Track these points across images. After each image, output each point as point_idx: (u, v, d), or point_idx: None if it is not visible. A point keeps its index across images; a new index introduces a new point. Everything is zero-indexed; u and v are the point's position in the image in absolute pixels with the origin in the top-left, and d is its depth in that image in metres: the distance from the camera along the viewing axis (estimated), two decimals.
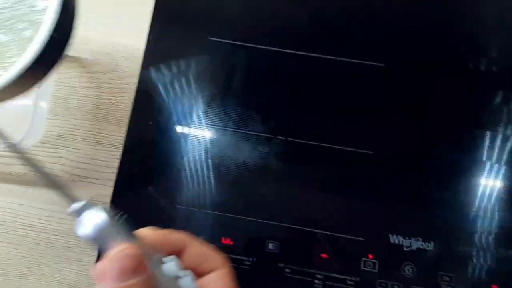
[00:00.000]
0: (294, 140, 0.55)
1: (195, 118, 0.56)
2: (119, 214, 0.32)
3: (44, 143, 0.55)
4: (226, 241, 0.52)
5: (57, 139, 0.55)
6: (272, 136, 0.56)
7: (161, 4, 0.59)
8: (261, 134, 0.56)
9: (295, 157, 0.55)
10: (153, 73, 0.57)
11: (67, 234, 0.53)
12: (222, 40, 0.59)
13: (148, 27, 0.58)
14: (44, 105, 0.51)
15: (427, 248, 0.51)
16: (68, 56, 0.56)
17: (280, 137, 0.55)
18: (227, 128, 0.56)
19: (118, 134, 0.56)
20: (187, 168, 0.55)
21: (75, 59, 0.57)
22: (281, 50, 0.59)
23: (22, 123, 0.55)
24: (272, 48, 0.58)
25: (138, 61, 0.57)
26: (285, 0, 0.61)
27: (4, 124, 0.55)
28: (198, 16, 0.60)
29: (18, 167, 0.54)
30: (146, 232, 0.35)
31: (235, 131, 0.56)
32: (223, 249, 0.41)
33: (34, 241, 0.53)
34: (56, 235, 0.53)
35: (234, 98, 0.57)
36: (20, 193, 0.54)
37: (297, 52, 0.58)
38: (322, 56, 0.58)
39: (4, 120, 0.55)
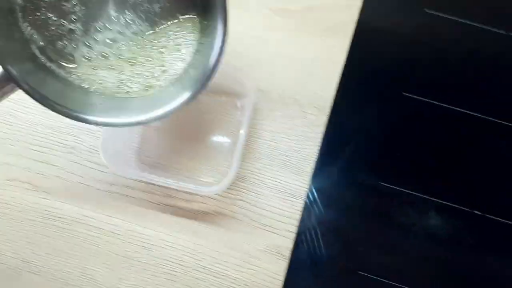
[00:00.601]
0: None
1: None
2: None
3: None
4: None
5: (240, 180, 0.54)
6: None
7: (352, 58, 0.57)
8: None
9: None
10: (341, 124, 0.55)
11: (245, 284, 0.52)
12: (416, 97, 0.56)
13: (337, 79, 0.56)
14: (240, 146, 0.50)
15: None
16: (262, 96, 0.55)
17: None
18: None
19: (300, 184, 0.54)
20: None
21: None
22: (480, 115, 0.55)
23: (220, 162, 0.55)
24: (474, 114, 0.55)
25: (325, 111, 0.55)
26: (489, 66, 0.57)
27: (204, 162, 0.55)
28: (392, 71, 0.57)
29: (199, 205, 0.54)
30: None
31: None
32: None
33: (211, 286, 0.52)
34: (233, 283, 0.52)
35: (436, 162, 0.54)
36: (201, 233, 0.54)
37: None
38: None
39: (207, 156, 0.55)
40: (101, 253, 0.54)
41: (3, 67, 0.35)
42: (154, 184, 0.54)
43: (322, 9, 0.58)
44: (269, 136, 0.55)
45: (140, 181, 0.54)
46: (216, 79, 0.55)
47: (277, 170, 0.55)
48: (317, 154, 0.55)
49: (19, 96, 0.59)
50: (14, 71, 0.36)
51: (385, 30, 0.58)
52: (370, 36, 0.57)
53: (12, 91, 0.38)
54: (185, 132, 0.56)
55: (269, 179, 0.54)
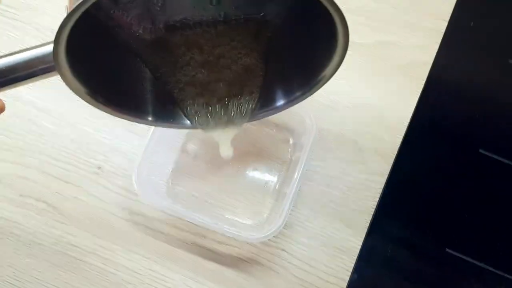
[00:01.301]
0: None
1: None
2: None
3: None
4: None
5: (283, 227, 0.47)
6: None
7: (424, 103, 0.51)
8: None
9: None
10: (406, 177, 0.48)
11: None
12: (494, 156, 0.49)
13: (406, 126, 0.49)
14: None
15: None
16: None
17: None
18: None
19: (353, 240, 0.47)
20: None
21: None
22: None
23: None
24: None
25: (388, 159, 0.49)
26: None
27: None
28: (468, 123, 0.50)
29: (233, 249, 0.47)
30: None
31: None
32: None
33: None
34: None
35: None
36: (231, 283, 0.46)
37: None
38: None
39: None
40: None
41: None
42: (184, 220, 0.47)
43: (395, 46, 0.52)
44: (322, 180, 0.48)
45: (170, 214, 0.47)
46: None
47: (327, 220, 0.47)
48: (376, 208, 0.47)
49: (47, 104, 0.55)
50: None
51: (463, 77, 0.52)
52: (445, 82, 0.51)
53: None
54: (224, 163, 0.49)
55: (318, 229, 0.47)
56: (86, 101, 0.29)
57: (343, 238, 0.47)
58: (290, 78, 0.32)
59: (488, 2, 0.54)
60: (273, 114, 0.32)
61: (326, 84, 0.51)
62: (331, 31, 0.26)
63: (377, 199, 0.48)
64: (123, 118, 0.31)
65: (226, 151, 0.45)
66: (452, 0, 0.54)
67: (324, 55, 0.29)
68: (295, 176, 0.43)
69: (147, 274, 0.46)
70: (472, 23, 0.53)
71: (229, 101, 0.31)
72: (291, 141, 0.49)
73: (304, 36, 0.30)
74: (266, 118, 0.49)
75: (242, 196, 0.48)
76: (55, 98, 0.52)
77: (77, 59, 0.26)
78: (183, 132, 0.50)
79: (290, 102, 0.32)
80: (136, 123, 0.34)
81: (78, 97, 0.30)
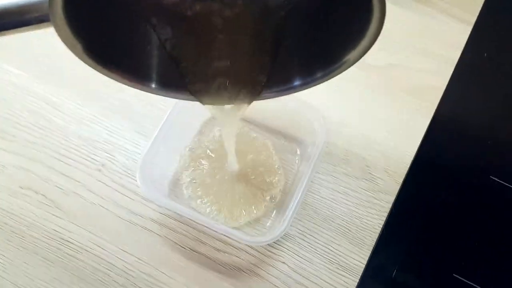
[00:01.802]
0: None
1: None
2: None
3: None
4: None
5: (285, 239, 0.45)
6: None
7: (435, 125, 0.50)
8: None
9: None
10: (414, 198, 0.47)
11: None
12: (505, 184, 0.47)
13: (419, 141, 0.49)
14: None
15: None
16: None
17: None
18: None
19: (357, 258, 0.45)
20: None
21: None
22: None
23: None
24: None
25: (397, 178, 0.48)
26: None
27: None
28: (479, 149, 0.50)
29: (232, 258, 0.45)
30: None
31: None
32: None
33: None
34: None
35: None
36: None
37: None
38: None
39: None
40: None
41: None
42: (183, 223, 0.46)
43: (407, 69, 0.53)
44: (327, 194, 0.47)
45: (169, 216, 0.46)
46: (281, 119, 0.49)
47: (331, 236, 0.46)
48: (382, 227, 0.46)
49: (58, 100, 0.54)
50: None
51: (475, 104, 0.51)
52: (458, 107, 0.51)
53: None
54: (229, 169, 0.48)
55: (321, 245, 0.45)
56: (82, 60, 0.27)
57: (347, 256, 0.45)
58: (309, 59, 0.31)
59: (502, 34, 0.55)
60: (287, 94, 0.31)
61: (337, 100, 0.51)
62: (363, 12, 0.25)
63: (384, 218, 0.46)
64: (121, 82, 0.30)
65: (232, 154, 0.44)
66: (467, 30, 0.54)
67: (352, 37, 0.27)
68: (299, 186, 0.42)
69: (140, 277, 0.44)
70: (485, 54, 0.54)
71: (239, 75, 0.30)
72: (298, 152, 0.48)
73: (332, 14, 0.29)
74: (277, 128, 0.49)
75: (245, 204, 0.47)
76: (68, 96, 0.52)
77: (75, 11, 0.24)
78: (188, 134, 0.50)
79: (307, 84, 0.31)
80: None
81: (79, 59, 0.27)
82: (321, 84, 0.31)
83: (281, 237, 0.45)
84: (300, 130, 0.48)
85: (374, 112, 0.51)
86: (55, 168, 0.48)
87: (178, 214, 0.46)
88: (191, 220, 0.46)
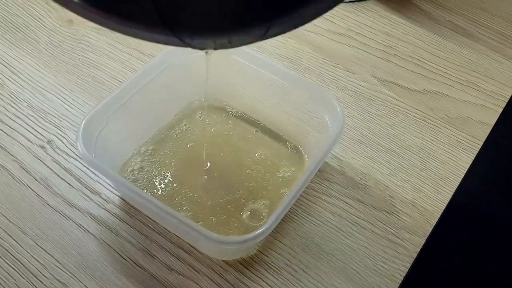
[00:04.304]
0: None
1: None
2: None
3: None
4: None
5: (268, 264, 0.32)
6: None
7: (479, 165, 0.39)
8: None
9: None
10: (445, 247, 0.34)
11: None
12: None
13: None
14: None
15: None
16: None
17: None
18: None
19: None
20: None
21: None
22: None
23: None
24: None
25: (429, 218, 0.35)
26: None
27: None
28: None
29: (188, 285, 0.31)
30: None
31: None
32: None
33: None
34: None
35: None
36: None
37: None
38: None
39: None
40: None
41: None
42: (131, 226, 0.33)
43: (446, 98, 0.43)
44: (333, 222, 0.35)
45: (114, 214, 0.34)
46: (288, 124, 0.38)
47: (331, 276, 0.32)
48: (404, 276, 0.32)
49: (21, 66, 0.44)
50: None
51: None
52: (503, 147, 0.40)
53: None
54: (217, 164, 0.37)
55: (314, 285, 0.32)
56: None
57: None
58: None
59: None
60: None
61: (358, 118, 0.40)
62: None
63: (408, 265, 0.33)
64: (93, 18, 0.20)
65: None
66: None
67: None
68: (291, 193, 0.30)
69: (51, 286, 0.31)
70: None
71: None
72: (306, 159, 0.37)
73: None
74: (280, 130, 0.38)
75: (222, 208, 0.34)
76: (33, 63, 0.43)
77: None
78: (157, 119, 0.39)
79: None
80: None
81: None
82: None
83: (262, 267, 0.32)
84: (306, 140, 0.37)
85: (403, 136, 0.40)
86: None
87: (126, 211, 0.34)
88: (141, 222, 0.33)
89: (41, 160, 0.37)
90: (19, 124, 0.38)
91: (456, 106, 0.42)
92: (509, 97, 0.44)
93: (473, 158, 0.39)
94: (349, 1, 0.50)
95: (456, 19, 0.50)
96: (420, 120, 0.41)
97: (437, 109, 0.42)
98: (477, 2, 0.51)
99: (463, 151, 0.39)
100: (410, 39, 0.47)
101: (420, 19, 0.49)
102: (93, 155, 0.31)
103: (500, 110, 0.43)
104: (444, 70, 0.45)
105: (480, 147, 0.40)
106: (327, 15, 0.47)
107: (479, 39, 0.48)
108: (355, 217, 0.35)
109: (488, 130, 0.41)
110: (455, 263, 0.35)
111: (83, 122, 0.32)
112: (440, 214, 0.35)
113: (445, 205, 0.36)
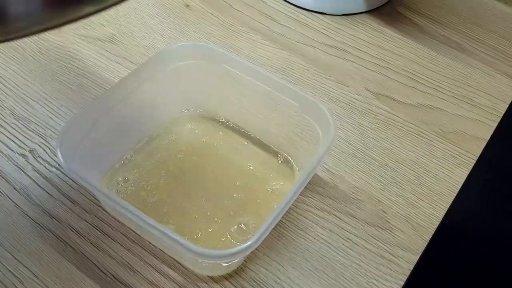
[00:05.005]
0: None
1: None
2: None
3: None
4: None
5: (253, 285, 0.31)
6: None
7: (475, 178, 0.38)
8: None
9: None
10: (439, 264, 0.33)
11: None
12: None
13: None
14: None
15: None
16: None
17: None
18: None
19: None
20: None
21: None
22: None
23: None
24: None
25: (424, 235, 0.34)
26: None
27: None
28: None
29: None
30: None
31: None
32: None
33: None
34: None
35: None
36: None
37: None
38: None
39: None
40: None
41: None
42: (112, 239, 0.32)
43: (440, 112, 0.42)
44: (324, 237, 0.33)
45: (96, 226, 0.32)
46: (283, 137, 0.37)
47: None
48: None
49: (5, 73, 0.42)
50: None
51: None
52: (502, 159, 0.39)
53: None
54: (206, 175, 0.36)
55: None
56: None
57: None
58: None
59: None
60: None
61: (351, 132, 0.39)
62: None
63: (401, 282, 0.32)
64: None
65: None
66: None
67: None
68: (279, 207, 0.29)
69: None
70: None
71: None
72: (297, 171, 0.36)
73: None
74: (272, 142, 0.37)
75: (209, 221, 0.33)
76: (17, 70, 0.42)
77: None
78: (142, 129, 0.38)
79: None
80: None
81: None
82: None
83: (249, 284, 0.31)
84: (297, 149, 0.36)
85: (397, 149, 0.39)
86: None
87: (108, 223, 0.33)
88: (124, 235, 0.32)
89: (21, 169, 0.35)
90: (1, 132, 0.37)
91: (450, 120, 0.42)
92: (503, 112, 0.43)
93: (467, 173, 0.38)
94: (343, 14, 0.49)
95: (450, 34, 0.49)
96: (414, 134, 0.40)
97: (431, 123, 0.41)
98: (471, 17, 0.51)
99: (458, 166, 0.38)
100: (404, 52, 0.47)
101: (414, 33, 0.49)
102: (75, 164, 0.30)
103: (495, 125, 0.42)
104: (438, 84, 0.45)
105: (474, 162, 0.39)
106: (321, 28, 0.47)
107: (473, 54, 0.48)
108: (347, 233, 0.34)
109: (482, 145, 0.40)
110: (449, 281, 0.33)
111: (62, 127, 0.30)
112: (434, 230, 0.34)
113: (440, 221, 0.35)
